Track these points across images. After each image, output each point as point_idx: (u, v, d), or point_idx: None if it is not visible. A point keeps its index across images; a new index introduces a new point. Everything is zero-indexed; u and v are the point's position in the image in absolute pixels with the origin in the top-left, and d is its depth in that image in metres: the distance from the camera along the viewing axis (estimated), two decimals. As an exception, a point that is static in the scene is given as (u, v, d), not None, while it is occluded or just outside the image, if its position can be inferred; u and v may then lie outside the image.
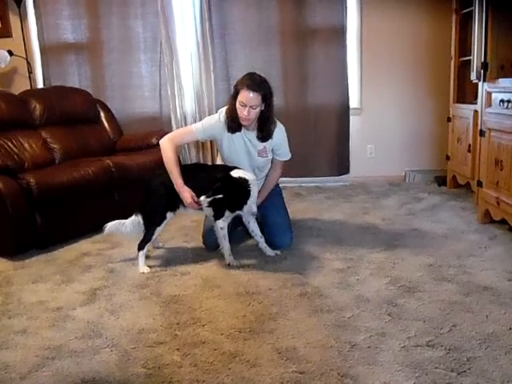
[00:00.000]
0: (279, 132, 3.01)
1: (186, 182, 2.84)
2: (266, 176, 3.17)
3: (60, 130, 4.12)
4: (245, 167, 2.99)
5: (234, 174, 2.80)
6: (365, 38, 4.77)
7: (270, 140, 2.98)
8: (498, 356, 1.88)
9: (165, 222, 2.92)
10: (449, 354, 1.90)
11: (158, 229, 2.93)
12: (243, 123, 2.87)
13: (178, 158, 4.51)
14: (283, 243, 3.10)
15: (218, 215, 2.88)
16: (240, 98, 2.78)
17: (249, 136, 2.97)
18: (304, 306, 2.36)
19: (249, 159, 3.02)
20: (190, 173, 2.93)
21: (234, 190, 2.76)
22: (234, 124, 2.89)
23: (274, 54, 4.68)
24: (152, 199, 2.95)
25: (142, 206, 2.97)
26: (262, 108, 2.83)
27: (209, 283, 2.67)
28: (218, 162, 3.22)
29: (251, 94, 2.74)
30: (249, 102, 2.75)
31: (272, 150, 3.04)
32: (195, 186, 2.83)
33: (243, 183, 2.78)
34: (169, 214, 2.91)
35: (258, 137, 2.96)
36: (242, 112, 2.78)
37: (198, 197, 2.78)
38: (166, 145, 2.91)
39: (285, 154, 3.11)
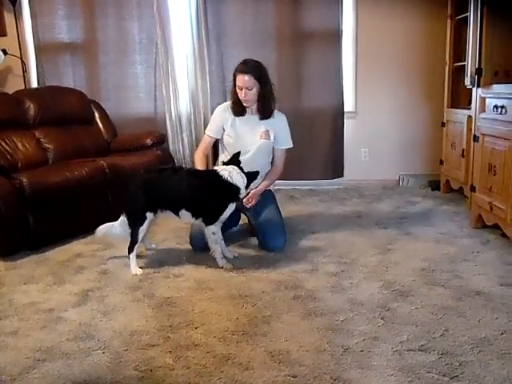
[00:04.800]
0: (281, 118, 3.26)
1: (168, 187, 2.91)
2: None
3: (54, 130, 4.09)
4: (250, 152, 3.15)
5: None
6: (360, 42, 4.79)
7: (272, 120, 3.19)
8: (490, 361, 1.89)
9: (146, 222, 2.88)
10: (441, 359, 1.90)
11: (141, 229, 2.89)
12: (245, 104, 3.13)
13: (173, 160, 4.56)
14: (276, 245, 3.11)
15: (210, 221, 2.89)
16: (237, 82, 3.06)
17: (251, 120, 3.19)
18: (297, 309, 2.36)
19: (252, 143, 3.17)
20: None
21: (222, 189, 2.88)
22: (238, 107, 3.16)
23: (270, 57, 4.66)
24: (131, 200, 2.95)
25: (124, 207, 2.98)
26: (259, 89, 3.06)
27: (202, 285, 2.66)
28: (221, 160, 3.26)
29: (245, 77, 3.02)
30: (244, 84, 3.03)
31: (274, 138, 3.21)
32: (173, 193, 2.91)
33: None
34: (149, 214, 2.88)
35: (259, 118, 3.18)
36: (241, 94, 3.06)
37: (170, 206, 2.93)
38: (195, 158, 3.26)
39: (285, 142, 3.28)
